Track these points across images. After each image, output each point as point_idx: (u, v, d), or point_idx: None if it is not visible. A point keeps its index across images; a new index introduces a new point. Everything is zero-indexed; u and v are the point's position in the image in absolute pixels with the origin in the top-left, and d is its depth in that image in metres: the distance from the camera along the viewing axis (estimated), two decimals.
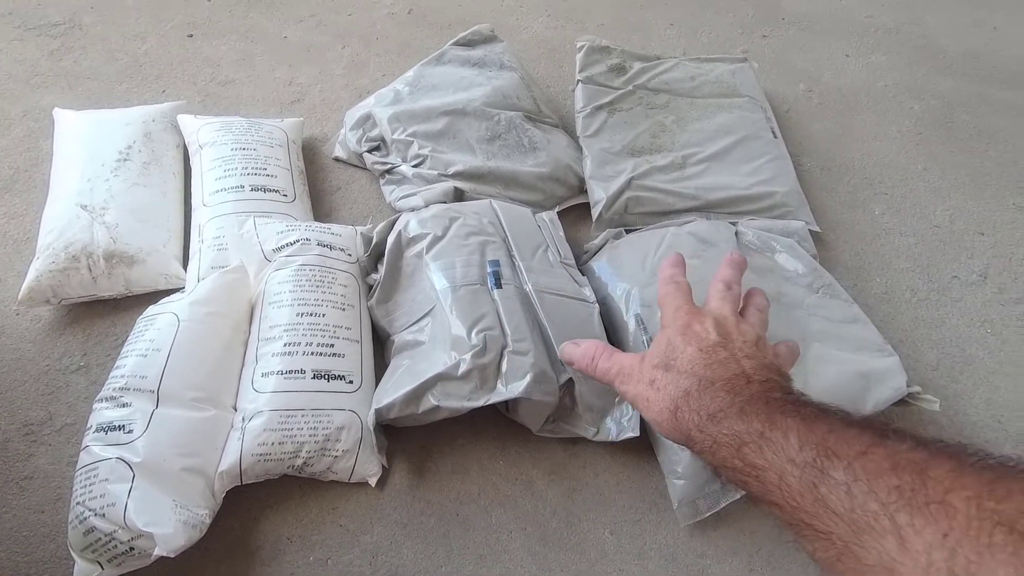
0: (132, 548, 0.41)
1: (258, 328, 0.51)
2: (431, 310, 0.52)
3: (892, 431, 0.29)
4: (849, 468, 0.27)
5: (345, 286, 0.54)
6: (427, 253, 0.54)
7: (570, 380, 0.49)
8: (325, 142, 0.74)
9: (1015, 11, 1.00)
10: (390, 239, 0.57)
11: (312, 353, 0.49)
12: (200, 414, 0.46)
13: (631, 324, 0.53)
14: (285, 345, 0.49)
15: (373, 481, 0.49)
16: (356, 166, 0.71)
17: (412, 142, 0.65)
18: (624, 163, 0.67)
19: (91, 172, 0.60)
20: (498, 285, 0.52)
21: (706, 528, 0.49)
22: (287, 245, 0.54)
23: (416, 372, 0.48)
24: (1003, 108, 0.84)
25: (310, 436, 0.46)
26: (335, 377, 0.49)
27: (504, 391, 0.47)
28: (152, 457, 0.43)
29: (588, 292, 0.55)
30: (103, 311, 0.58)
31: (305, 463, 0.47)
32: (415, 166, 0.65)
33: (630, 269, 0.57)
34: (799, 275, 0.58)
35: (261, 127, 0.66)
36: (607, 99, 0.72)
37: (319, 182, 0.70)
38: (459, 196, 0.63)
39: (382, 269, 0.56)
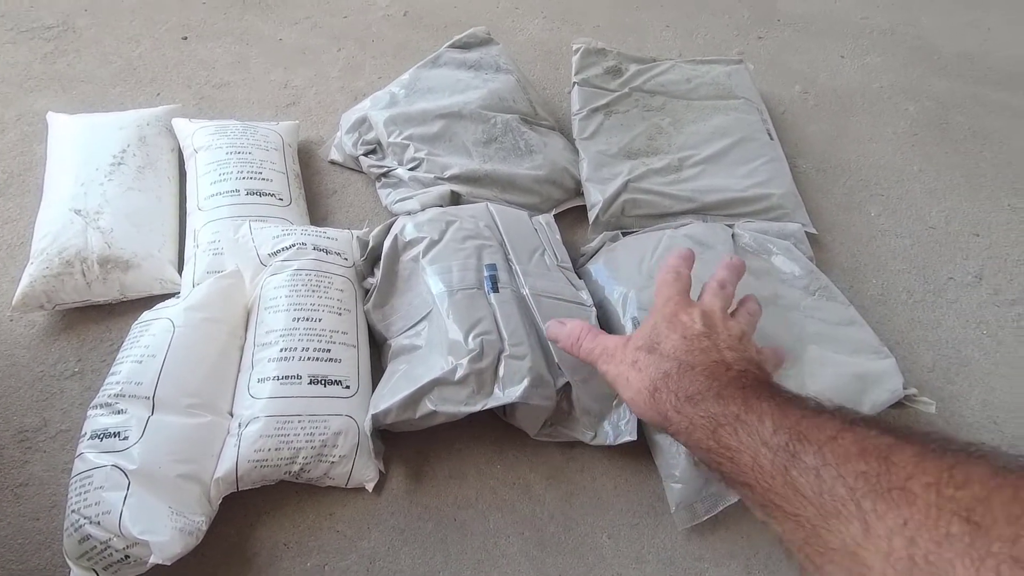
0: (128, 556, 0.40)
1: (254, 333, 0.51)
2: (428, 314, 0.52)
3: (862, 418, 0.30)
4: (819, 452, 0.28)
5: (341, 291, 0.54)
6: (423, 257, 0.54)
7: (567, 384, 0.49)
8: (321, 145, 0.73)
9: (1009, 12, 1.00)
10: (386, 243, 0.56)
11: (308, 358, 0.49)
12: (196, 420, 0.46)
13: (628, 327, 0.53)
14: (281, 350, 0.49)
15: (370, 486, 0.49)
16: (352, 169, 0.71)
17: (408, 145, 0.65)
18: (621, 165, 0.67)
19: (85, 176, 0.60)
20: (495, 289, 0.51)
21: (704, 532, 0.49)
22: (283, 250, 0.54)
23: (413, 377, 0.48)
24: (998, 109, 0.84)
25: (307, 442, 0.46)
26: (332, 382, 0.49)
27: (501, 396, 0.47)
28: (147, 464, 0.43)
29: (585, 295, 0.55)
30: (98, 316, 0.57)
31: (302, 469, 0.46)
32: (411, 169, 0.65)
33: (627, 272, 0.57)
34: (795, 277, 0.58)
35: (256, 130, 0.66)
36: (603, 101, 0.72)
37: (315, 185, 0.70)
38: (455, 199, 0.63)
39: (378, 273, 0.55)
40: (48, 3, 0.87)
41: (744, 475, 0.31)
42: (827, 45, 0.92)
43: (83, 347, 0.56)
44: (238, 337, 0.52)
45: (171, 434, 0.45)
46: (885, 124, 0.82)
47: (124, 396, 0.45)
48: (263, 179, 0.62)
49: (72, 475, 0.43)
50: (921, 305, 0.64)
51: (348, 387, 0.50)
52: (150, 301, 0.55)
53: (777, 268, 0.59)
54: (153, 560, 0.40)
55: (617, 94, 0.73)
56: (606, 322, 0.55)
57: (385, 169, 0.66)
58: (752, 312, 0.46)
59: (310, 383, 0.48)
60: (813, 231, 0.67)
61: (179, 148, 0.68)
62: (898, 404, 0.52)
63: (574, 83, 0.74)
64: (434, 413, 0.47)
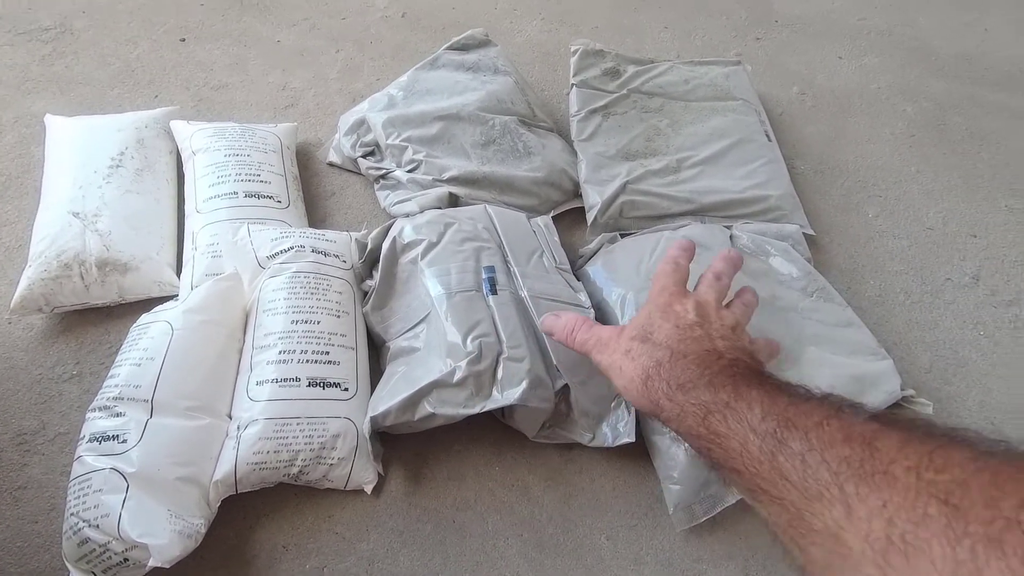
0: (127, 559, 0.40)
1: (252, 336, 0.51)
2: (426, 316, 0.52)
3: (849, 405, 0.30)
4: (805, 438, 0.29)
5: (340, 293, 0.54)
6: (422, 259, 0.54)
7: (566, 386, 0.49)
8: (319, 147, 0.73)
9: (1006, 13, 1.01)
10: (385, 245, 0.57)
11: (307, 361, 0.49)
12: (195, 423, 0.46)
13: None
14: (280, 353, 0.49)
15: (369, 488, 0.49)
16: (350, 171, 0.71)
17: (406, 147, 0.65)
18: (619, 167, 0.67)
19: (83, 179, 0.60)
20: (493, 291, 0.52)
21: (702, 533, 0.49)
22: (281, 252, 0.54)
23: (412, 379, 0.48)
24: (995, 110, 0.85)
25: (305, 444, 0.46)
26: (330, 385, 0.49)
27: (500, 398, 0.47)
28: (146, 467, 0.43)
29: (583, 297, 0.55)
30: (96, 319, 0.57)
31: (301, 471, 0.47)
32: (410, 171, 0.65)
33: (625, 273, 0.57)
34: (793, 279, 0.58)
35: (255, 132, 0.66)
36: (601, 103, 0.73)
37: (313, 187, 0.70)
38: (454, 201, 0.63)
39: (377, 275, 0.56)
40: (46, 5, 0.87)
41: (732, 461, 0.32)
42: (825, 46, 0.92)
43: (81, 350, 0.56)
44: (237, 340, 0.52)
45: (170, 437, 0.45)
46: (883, 125, 0.82)
47: (123, 399, 0.45)
48: (261, 181, 0.62)
49: (71, 478, 0.43)
50: (918, 306, 0.64)
51: (347, 389, 0.50)
52: (149, 304, 0.55)
53: (775, 269, 0.59)
54: (152, 563, 0.40)
55: (615, 95, 0.73)
56: (604, 324, 0.55)
57: (383, 171, 0.66)
58: (747, 303, 0.47)
59: (309, 385, 0.48)
60: (811, 232, 0.67)
61: (177, 150, 0.68)
62: (896, 405, 0.52)
63: (572, 85, 0.74)
64: (433, 415, 0.47)
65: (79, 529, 0.40)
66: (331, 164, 0.72)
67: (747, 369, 0.37)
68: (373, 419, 0.48)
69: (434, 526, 0.49)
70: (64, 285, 0.54)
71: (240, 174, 0.62)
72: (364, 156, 0.68)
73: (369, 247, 0.58)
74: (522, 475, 0.51)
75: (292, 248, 0.54)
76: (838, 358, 0.53)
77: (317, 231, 0.58)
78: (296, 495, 0.49)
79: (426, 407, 0.47)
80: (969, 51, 0.93)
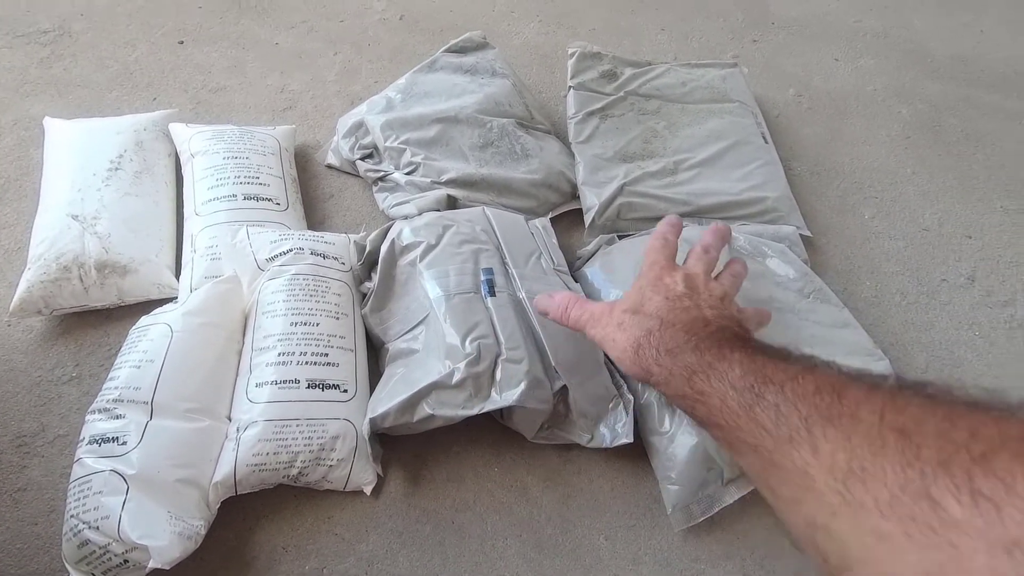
0: (127, 560, 0.41)
1: (252, 338, 0.51)
2: (425, 318, 0.52)
3: (823, 362, 0.33)
4: (780, 391, 0.31)
5: (339, 295, 0.54)
6: (421, 261, 0.54)
7: (564, 387, 0.49)
8: (318, 149, 0.74)
9: (1002, 15, 1.01)
10: (383, 247, 0.57)
11: (306, 363, 0.49)
12: (194, 425, 0.46)
13: None
14: (279, 355, 0.49)
15: (368, 490, 0.49)
16: (349, 173, 0.71)
17: (405, 149, 0.65)
18: (616, 169, 0.68)
19: (82, 182, 0.60)
20: (492, 293, 0.52)
21: (700, 533, 0.49)
22: (280, 254, 0.54)
23: (410, 381, 0.48)
24: (990, 112, 0.85)
25: (305, 446, 0.46)
26: (329, 386, 0.49)
27: (498, 399, 0.47)
28: (146, 469, 0.43)
29: None
30: (95, 321, 0.57)
31: (300, 472, 0.47)
32: (408, 173, 0.65)
33: (623, 275, 0.57)
34: (790, 280, 0.59)
35: (253, 135, 0.66)
36: (599, 105, 0.73)
37: (312, 190, 0.70)
38: (452, 203, 0.63)
39: (376, 277, 0.56)
40: (44, 7, 0.87)
41: (714, 416, 0.34)
42: (821, 48, 0.93)
43: (81, 352, 0.56)
44: (236, 342, 0.52)
45: (169, 439, 0.45)
46: (879, 127, 0.82)
47: (122, 401, 0.45)
48: (260, 184, 0.63)
49: (71, 480, 0.43)
50: (914, 307, 0.65)
51: (346, 391, 0.50)
52: (148, 306, 0.55)
53: (772, 271, 0.59)
54: (152, 564, 0.40)
55: (613, 98, 0.74)
56: None
57: (382, 173, 0.67)
58: (735, 274, 0.48)
59: (308, 387, 0.48)
60: (807, 234, 0.67)
61: (176, 153, 0.68)
62: None
63: (570, 87, 0.74)
64: (432, 417, 0.47)
65: (79, 531, 0.40)
66: (329, 166, 0.72)
67: (733, 335, 0.38)
68: (372, 420, 0.48)
69: (433, 527, 0.49)
70: (63, 287, 0.55)
71: (239, 177, 0.62)
72: (362, 158, 0.69)
73: (368, 249, 0.58)
74: (521, 476, 0.52)
75: (291, 250, 0.55)
76: (835, 359, 0.53)
77: (316, 233, 0.58)
78: (295, 496, 0.49)
79: (425, 408, 0.47)
80: (965, 53, 0.94)
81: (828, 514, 0.25)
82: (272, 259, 0.54)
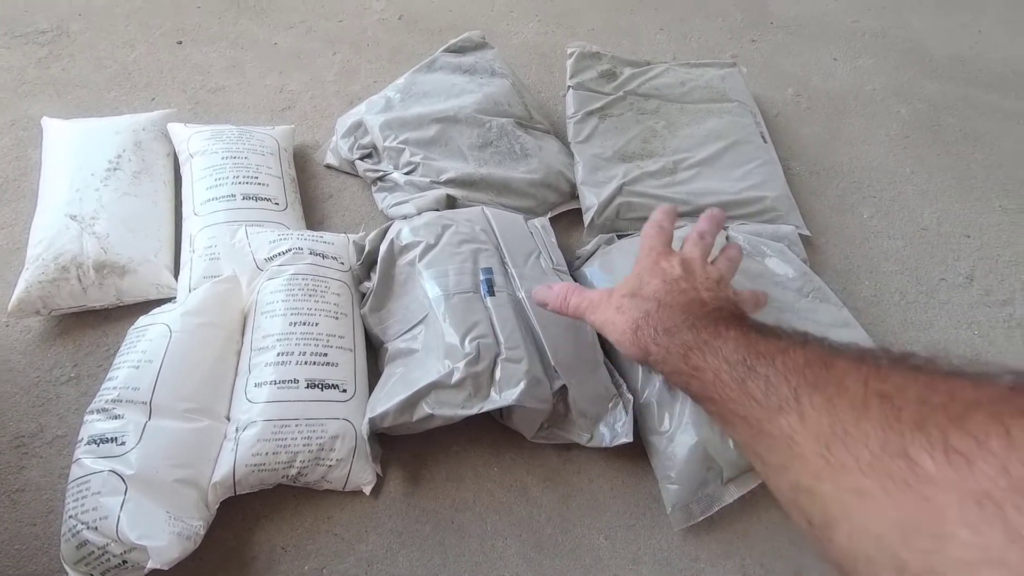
0: (125, 561, 0.40)
1: (251, 338, 0.51)
2: (424, 318, 0.52)
3: (815, 337, 0.33)
4: (771, 364, 0.32)
5: (338, 295, 0.54)
6: (420, 261, 0.54)
7: (564, 387, 0.49)
8: (316, 149, 0.74)
9: (1000, 15, 1.01)
10: (382, 247, 0.57)
11: (305, 363, 0.49)
12: (193, 425, 0.46)
13: None
14: (278, 355, 0.49)
15: (368, 490, 0.49)
16: (348, 173, 0.71)
17: (404, 149, 0.65)
18: (615, 168, 0.68)
19: (80, 182, 0.60)
20: (491, 292, 0.52)
21: (699, 532, 0.49)
22: (279, 254, 0.54)
23: (410, 380, 0.48)
24: (988, 111, 0.85)
25: (304, 446, 0.46)
26: (329, 386, 0.49)
27: (498, 399, 0.47)
28: (145, 469, 0.43)
29: None
30: (94, 321, 0.57)
31: (299, 472, 0.47)
32: (407, 173, 0.65)
33: (622, 275, 0.57)
34: (789, 279, 0.59)
35: (252, 135, 0.66)
36: (598, 105, 0.73)
37: (311, 190, 0.70)
38: (451, 203, 0.63)
39: (375, 277, 0.56)
40: (42, 8, 0.87)
41: (707, 390, 0.35)
42: (820, 48, 0.93)
43: (79, 352, 0.56)
44: (235, 342, 0.52)
45: (168, 439, 0.45)
46: (877, 126, 0.82)
47: (121, 401, 0.45)
48: (259, 184, 0.63)
49: (69, 480, 0.43)
50: (913, 306, 0.65)
51: (345, 391, 0.50)
52: (146, 306, 0.55)
53: (771, 270, 0.59)
54: (151, 565, 0.40)
55: (612, 97, 0.74)
56: None
57: (381, 173, 0.67)
58: (731, 258, 0.49)
59: (307, 387, 0.48)
60: (807, 233, 0.67)
61: (175, 153, 0.68)
62: None
63: (569, 87, 0.75)
64: (431, 416, 0.47)
65: (78, 531, 0.40)
66: (328, 166, 0.72)
67: (729, 315, 0.39)
68: (371, 420, 0.48)
69: (433, 527, 0.49)
70: (62, 287, 0.54)
71: (238, 177, 0.62)
72: (361, 158, 0.69)
73: (367, 249, 0.58)
74: (520, 476, 0.52)
75: (290, 250, 0.55)
76: None
77: (315, 233, 0.58)
78: (295, 496, 0.49)
79: (424, 408, 0.47)
80: (963, 53, 0.94)
81: (812, 477, 0.26)
82: (271, 259, 0.54)
